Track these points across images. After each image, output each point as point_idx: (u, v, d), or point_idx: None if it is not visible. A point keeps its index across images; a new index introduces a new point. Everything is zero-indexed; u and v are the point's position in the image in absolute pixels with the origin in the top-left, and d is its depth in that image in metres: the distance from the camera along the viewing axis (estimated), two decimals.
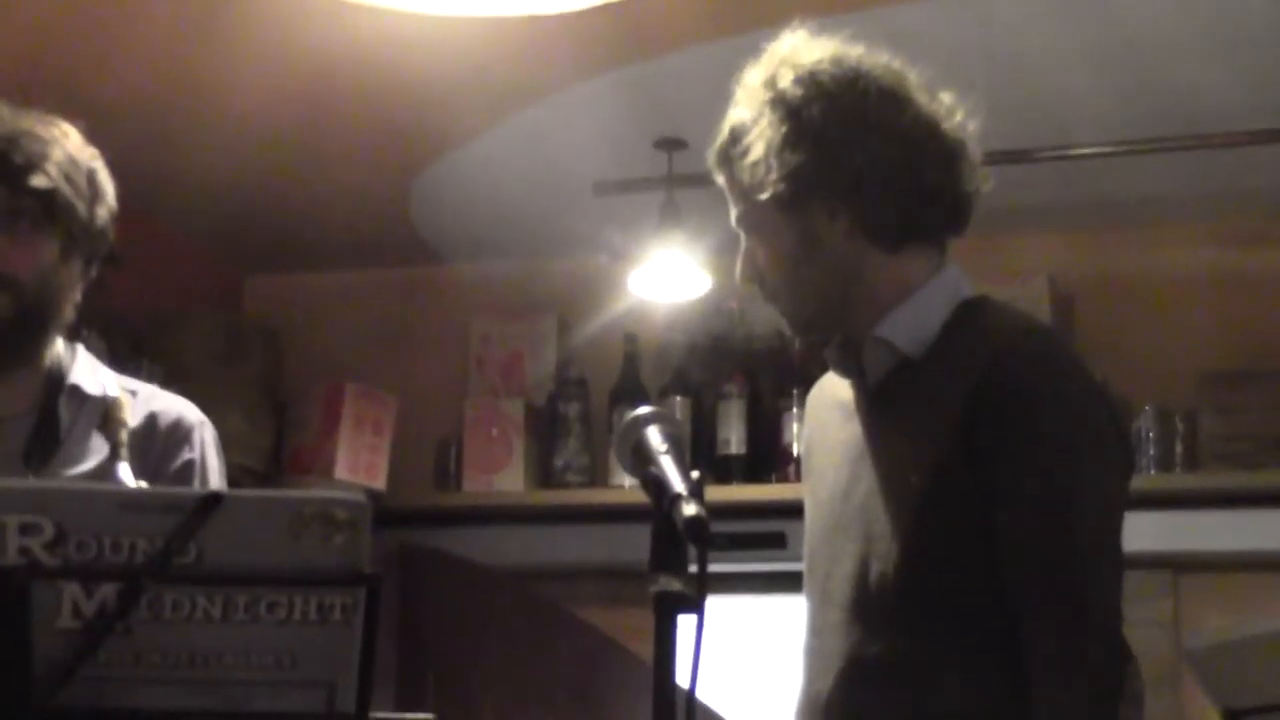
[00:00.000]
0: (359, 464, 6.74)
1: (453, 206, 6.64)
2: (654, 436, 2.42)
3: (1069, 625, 2.85)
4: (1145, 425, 6.18)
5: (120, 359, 5.59)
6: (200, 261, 7.23)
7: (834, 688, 2.98)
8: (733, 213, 3.07)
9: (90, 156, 3.28)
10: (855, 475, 3.03)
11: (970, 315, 3.03)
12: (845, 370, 3.08)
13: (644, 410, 2.48)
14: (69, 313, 3.34)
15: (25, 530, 2.20)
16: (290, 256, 7.16)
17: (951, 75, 3.23)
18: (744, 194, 3.02)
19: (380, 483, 6.70)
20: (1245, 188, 6.13)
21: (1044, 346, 3.05)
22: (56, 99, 4.70)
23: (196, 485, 3.33)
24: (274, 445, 6.88)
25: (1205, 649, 3.02)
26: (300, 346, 7.13)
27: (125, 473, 3.06)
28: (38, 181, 3.11)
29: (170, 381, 6.00)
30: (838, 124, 2.94)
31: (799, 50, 3.00)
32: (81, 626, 2.24)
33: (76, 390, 3.31)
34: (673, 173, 5.22)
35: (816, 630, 3.07)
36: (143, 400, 3.40)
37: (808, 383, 3.58)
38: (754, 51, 3.03)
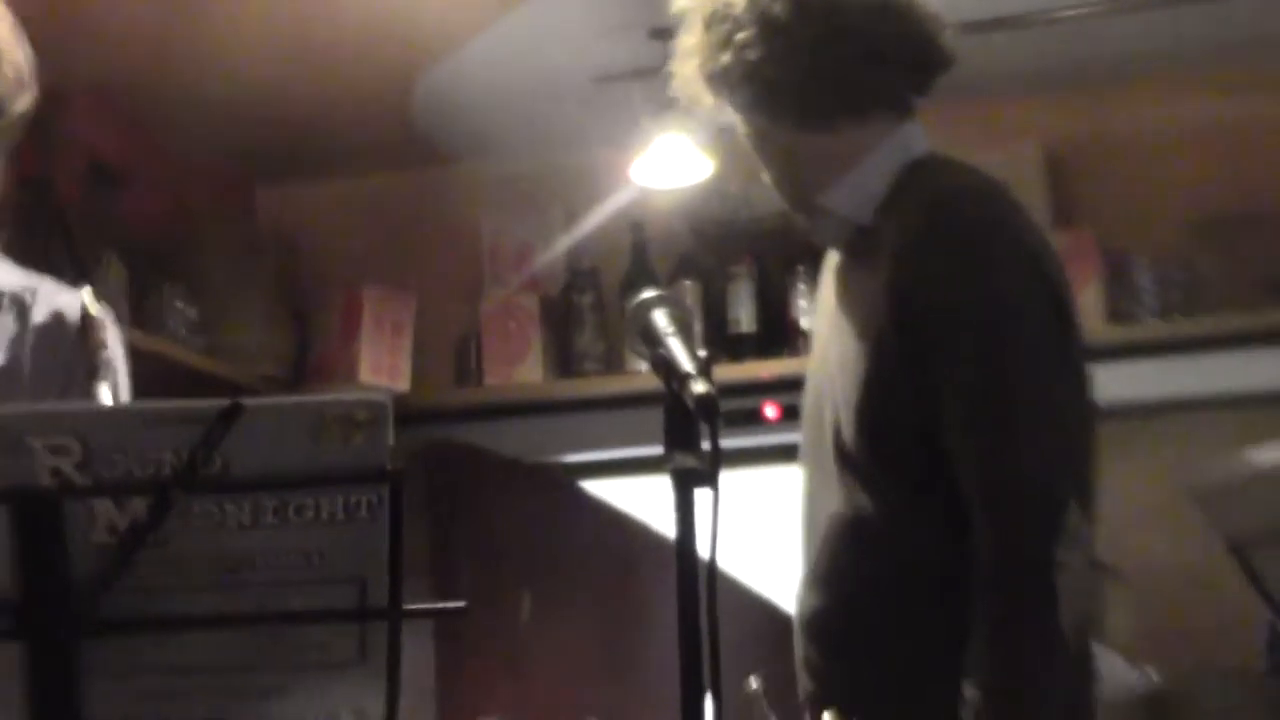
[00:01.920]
0: (381, 366, 6.77)
1: (455, 107, 6.56)
2: (660, 319, 2.52)
3: (1006, 487, 2.94)
4: (1142, 275, 6.24)
5: (140, 280, 6.21)
6: (211, 178, 7.19)
7: (819, 550, 3.14)
8: (728, 111, 3.21)
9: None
10: (830, 342, 3.18)
11: (914, 176, 3.14)
12: (820, 238, 3.30)
13: (649, 294, 2.58)
14: None
15: (54, 451, 2.25)
16: (300, 166, 7.17)
17: None
18: (736, 96, 3.14)
19: (404, 383, 6.75)
20: (1230, 38, 6.09)
21: (977, 205, 3.12)
22: (61, 26, 4.72)
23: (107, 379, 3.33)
24: (297, 353, 6.90)
25: (1209, 485, 3.04)
26: (316, 254, 7.15)
27: (106, 394, 3.17)
28: None
29: (192, 298, 6.35)
30: (785, 18, 3.06)
31: None
32: (116, 541, 2.31)
33: None
34: (669, 61, 5.29)
35: (808, 495, 3.24)
36: (45, 296, 3.48)
37: (813, 259, 3.85)
38: None
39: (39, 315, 3.36)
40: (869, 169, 3.13)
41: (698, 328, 5.66)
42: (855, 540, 3.09)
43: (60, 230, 6.05)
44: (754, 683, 3.27)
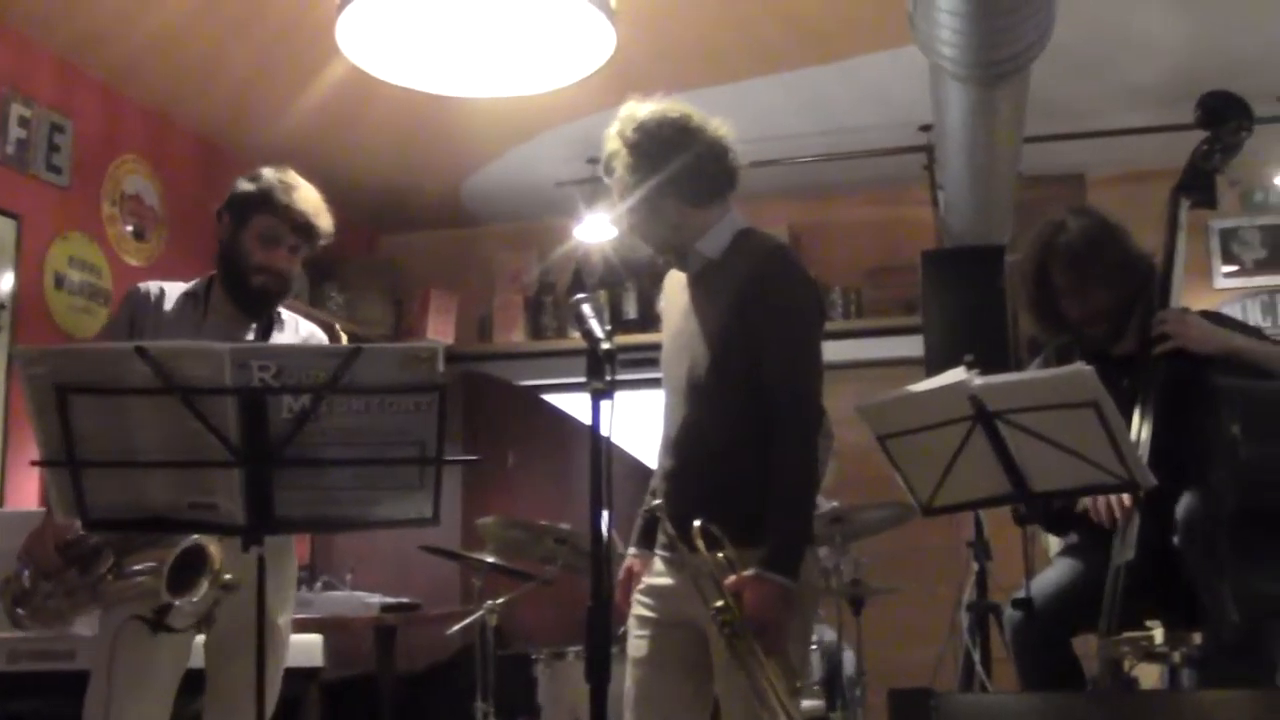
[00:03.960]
0: (439, 329, 9.10)
1: (484, 193, 8.82)
2: (587, 309, 3.18)
3: (791, 399, 3.76)
4: (835, 295, 7.95)
5: (316, 283, 8.52)
6: (354, 228, 9.34)
7: (675, 436, 3.91)
8: (616, 203, 3.94)
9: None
10: (687, 320, 3.92)
11: (745, 236, 3.91)
12: (681, 267, 3.97)
13: (581, 295, 3.24)
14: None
15: (262, 369, 2.93)
16: (401, 224, 9.57)
17: None
18: (617, 189, 3.90)
19: (451, 339, 9.08)
20: (873, 175, 8.41)
21: (779, 256, 3.87)
22: (259, 143, 5.97)
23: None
24: (395, 323, 9.21)
25: (866, 406, 3.93)
26: (407, 271, 9.49)
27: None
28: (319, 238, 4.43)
29: (341, 292, 8.59)
30: (657, 147, 3.82)
31: (639, 110, 3.91)
32: (294, 417, 2.96)
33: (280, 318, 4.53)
34: (598, 175, 4.65)
35: (668, 408, 3.97)
36: (303, 324, 4.60)
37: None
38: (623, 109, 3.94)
39: (301, 333, 4.55)
40: (721, 230, 3.90)
41: (606, 315, 4.18)
42: (699, 429, 3.83)
43: None
44: (654, 496, 4.00)
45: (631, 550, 4.14)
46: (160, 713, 4.18)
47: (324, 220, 4.42)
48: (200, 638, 4.17)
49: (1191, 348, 4.23)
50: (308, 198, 4.40)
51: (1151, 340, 4.24)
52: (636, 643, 3.94)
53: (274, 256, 4.36)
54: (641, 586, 4.00)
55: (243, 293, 4.39)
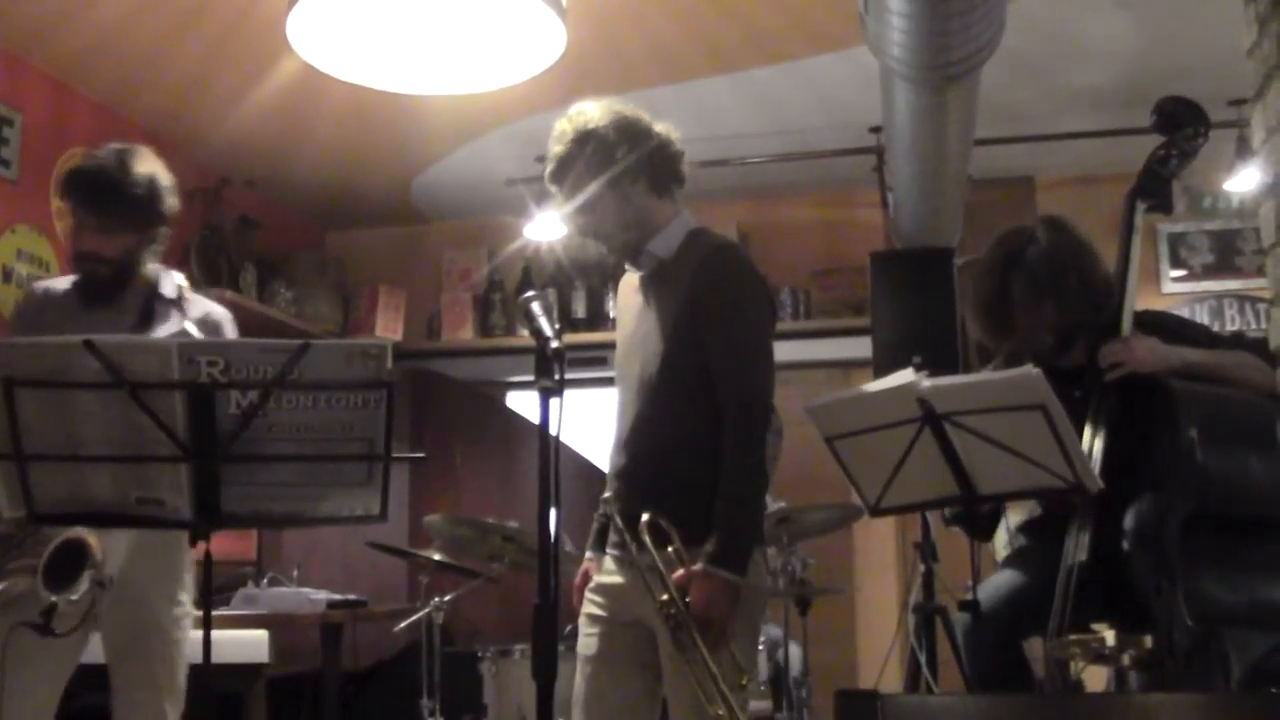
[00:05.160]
0: (387, 327, 9.10)
1: (433, 191, 8.81)
2: (536, 307, 3.17)
3: (741, 396, 3.78)
4: (785, 295, 6.37)
5: (265, 280, 8.45)
6: (301, 226, 9.46)
7: (627, 434, 3.96)
8: (564, 203, 3.94)
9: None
10: (640, 321, 3.97)
11: (696, 236, 3.97)
12: (635, 266, 4.01)
13: (530, 294, 3.26)
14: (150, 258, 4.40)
15: (210, 364, 2.97)
16: (349, 221, 9.59)
17: None
18: (574, 188, 3.90)
19: (399, 336, 9.09)
20: (825, 176, 8.50)
21: (730, 255, 3.92)
22: (216, 137, 6.94)
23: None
24: (344, 320, 9.18)
25: (815, 405, 3.97)
26: (355, 268, 9.46)
27: (195, 330, 4.25)
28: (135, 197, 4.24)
29: (290, 288, 8.47)
30: (615, 139, 3.90)
31: (589, 109, 3.98)
32: (241, 413, 3.01)
33: (161, 295, 4.39)
34: (543, 173, 4.43)
35: (620, 406, 4.00)
36: (198, 303, 4.49)
37: (616, 280, 4.33)
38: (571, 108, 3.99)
39: (194, 313, 4.46)
40: (674, 229, 3.96)
41: (555, 314, 4.87)
42: (650, 427, 3.86)
43: (224, 254, 8.11)
44: (607, 494, 3.99)
45: (588, 554, 4.17)
46: (49, 710, 4.17)
47: (109, 193, 4.29)
48: (97, 635, 4.16)
49: (1144, 370, 4.22)
50: (88, 169, 4.29)
51: (1099, 369, 4.25)
52: (586, 640, 3.97)
53: (82, 240, 4.31)
54: (592, 585, 4.04)
55: (82, 282, 4.39)
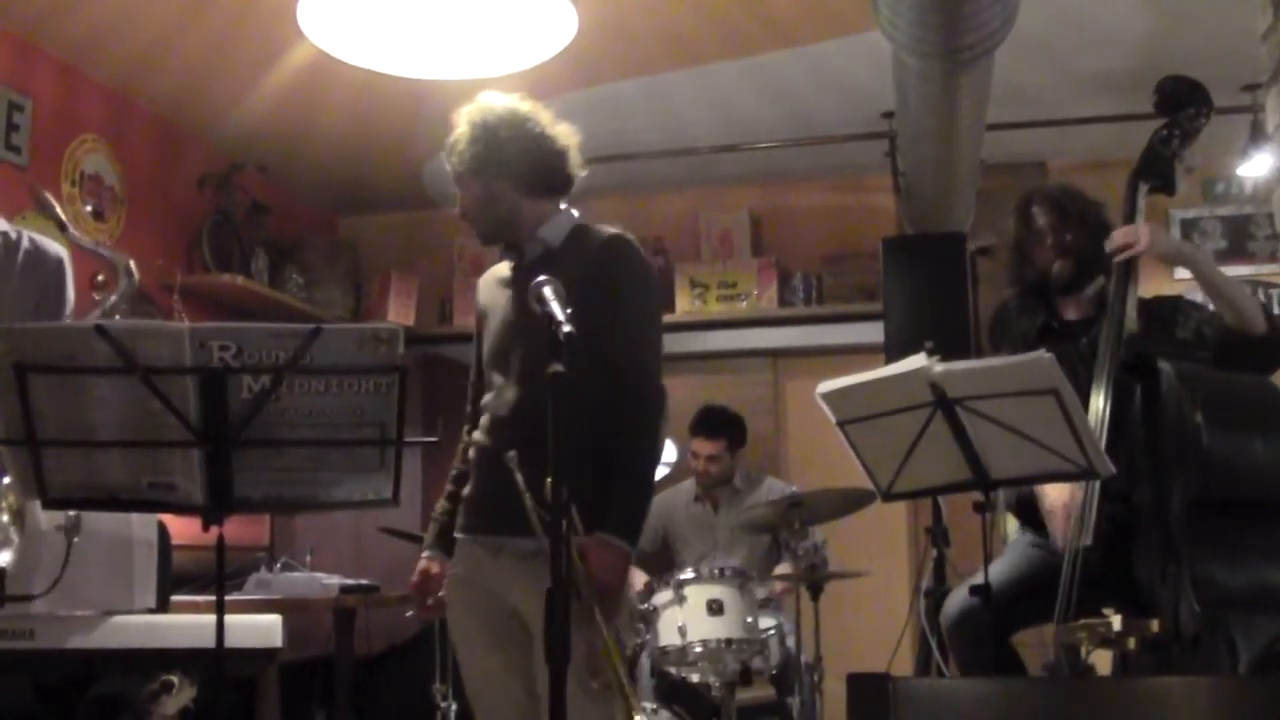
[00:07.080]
0: (399, 312, 9.07)
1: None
2: (548, 291, 3.19)
3: (636, 380, 3.92)
4: (797, 280, 8.32)
5: (276, 265, 8.39)
6: (314, 211, 9.52)
7: (508, 414, 4.00)
8: (452, 181, 4.10)
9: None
10: (517, 312, 4.04)
11: (581, 228, 4.10)
12: (510, 257, 4.14)
13: (541, 278, 3.24)
14: None
15: (223, 349, 2.94)
16: (362, 207, 9.57)
17: None
18: (455, 171, 4.06)
19: (411, 321, 9.02)
20: (831, 163, 8.53)
21: (623, 242, 4.03)
22: (235, 122, 6.83)
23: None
24: (356, 305, 9.16)
25: (827, 390, 4.01)
26: (368, 254, 9.43)
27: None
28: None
29: (302, 274, 8.38)
30: (503, 134, 3.99)
31: (492, 99, 4.09)
32: (253, 397, 2.98)
33: None
34: None
35: (496, 392, 4.06)
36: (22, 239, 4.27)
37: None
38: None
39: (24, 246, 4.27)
40: (560, 221, 4.10)
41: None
42: (536, 410, 3.53)
43: (236, 239, 8.06)
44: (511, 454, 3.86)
45: (426, 553, 4.25)
46: None
47: None
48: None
49: (1151, 252, 4.34)
50: None
51: (1104, 302, 4.35)
52: (455, 630, 4.12)
53: None
54: (448, 580, 4.13)
55: None
